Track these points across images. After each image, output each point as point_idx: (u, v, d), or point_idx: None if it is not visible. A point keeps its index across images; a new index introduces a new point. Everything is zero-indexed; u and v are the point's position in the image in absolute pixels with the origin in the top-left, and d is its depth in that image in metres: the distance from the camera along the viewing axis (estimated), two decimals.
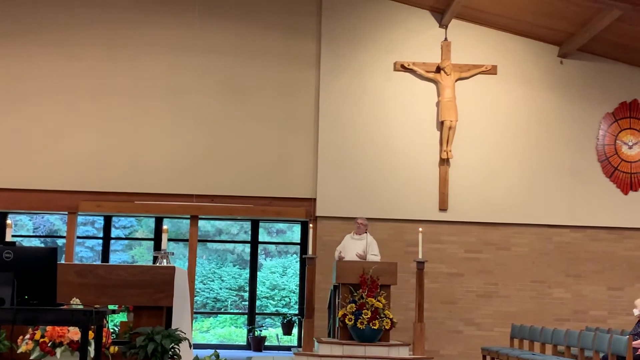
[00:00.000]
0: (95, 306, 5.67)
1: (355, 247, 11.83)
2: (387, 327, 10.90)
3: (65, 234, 14.38)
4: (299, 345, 13.85)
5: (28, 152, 13.86)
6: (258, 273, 15.68)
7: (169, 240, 11.02)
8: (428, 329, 12.47)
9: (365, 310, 10.79)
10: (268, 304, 17.83)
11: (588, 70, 14.40)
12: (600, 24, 12.92)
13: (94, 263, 14.29)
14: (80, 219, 14.71)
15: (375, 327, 10.77)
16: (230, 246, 18.97)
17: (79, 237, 15.13)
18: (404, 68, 14.17)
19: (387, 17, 14.33)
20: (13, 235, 10.27)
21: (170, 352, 7.24)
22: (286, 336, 15.41)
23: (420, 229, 11.74)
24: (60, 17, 14.18)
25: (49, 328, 6.73)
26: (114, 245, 17.16)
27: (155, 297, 7.65)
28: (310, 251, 11.71)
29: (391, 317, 10.94)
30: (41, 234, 18.09)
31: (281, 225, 18.11)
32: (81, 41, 14.14)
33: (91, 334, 6.19)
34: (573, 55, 14.32)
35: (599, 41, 13.74)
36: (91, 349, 6.27)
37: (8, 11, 14.12)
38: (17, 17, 14.13)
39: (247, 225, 15.85)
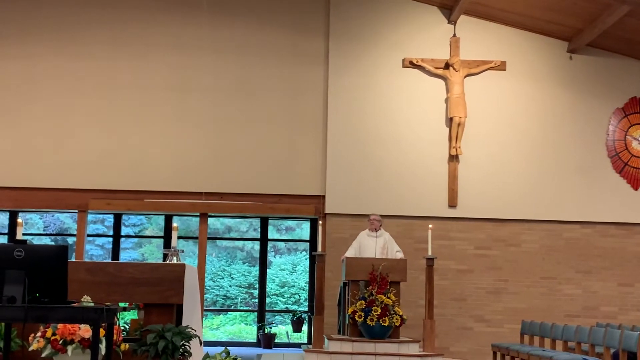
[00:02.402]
0: (106, 304, 5.69)
1: (374, 246, 11.81)
2: (397, 324, 10.89)
3: (75, 232, 14.43)
4: (309, 342, 13.88)
5: (38, 151, 13.91)
6: (268, 270, 15.72)
7: (179, 238, 11.06)
8: (438, 326, 12.47)
9: (375, 307, 10.79)
10: (278, 301, 17.86)
11: (597, 66, 14.36)
12: (609, 19, 12.88)
13: (104, 261, 14.35)
14: (90, 217, 14.76)
15: (385, 324, 10.76)
16: (239, 244, 19.01)
17: (89, 235, 15.20)
18: (412, 65, 14.16)
19: (395, 14, 14.32)
20: (24, 234, 10.31)
21: (180, 349, 7.25)
22: (296, 333, 15.44)
23: (430, 226, 11.74)
24: (69, 17, 14.22)
25: (60, 326, 6.75)
26: (124, 243, 17.23)
27: (165, 295, 7.67)
28: (319, 248, 11.71)
29: (401, 313, 10.93)
30: (51, 232, 18.17)
31: (290, 223, 18.14)
32: (89, 40, 14.18)
33: (102, 332, 6.21)
34: (582, 50, 14.28)
35: (608, 36, 13.70)
36: (102, 347, 6.29)
37: (15, 12, 14.17)
38: (24, 18, 14.18)
39: (257, 222, 15.87)
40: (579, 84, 14.32)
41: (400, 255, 11.74)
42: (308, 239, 15.31)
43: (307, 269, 15.68)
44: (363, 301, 10.90)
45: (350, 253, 11.80)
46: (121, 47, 14.22)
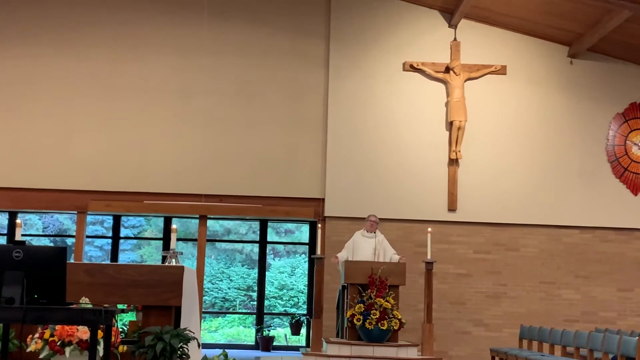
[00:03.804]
0: (104, 305, 5.68)
1: (367, 246, 11.80)
2: (395, 328, 10.88)
3: (74, 234, 14.43)
4: (307, 345, 13.86)
5: (37, 151, 13.91)
6: (266, 273, 15.69)
7: (178, 240, 11.04)
8: (437, 330, 12.46)
9: (374, 311, 10.78)
10: (276, 304, 17.83)
11: (598, 71, 14.36)
12: (610, 24, 12.88)
13: (103, 262, 14.34)
14: (89, 218, 14.76)
15: (384, 328, 10.75)
16: (238, 246, 18.97)
17: (88, 237, 15.18)
18: (413, 68, 14.16)
19: (396, 17, 14.32)
20: (22, 235, 10.29)
21: (178, 352, 7.24)
22: (294, 336, 15.42)
23: (429, 230, 11.73)
24: (69, 18, 14.23)
25: (58, 327, 6.75)
26: (122, 244, 17.20)
27: (164, 297, 7.67)
28: (318, 251, 11.70)
29: (400, 317, 10.92)
30: (50, 234, 18.13)
31: (290, 225, 18.11)
32: (91, 42, 14.19)
33: (100, 333, 6.20)
34: (583, 55, 14.28)
35: (608, 41, 13.70)
36: (100, 348, 6.28)
37: (17, 13, 14.18)
38: (26, 18, 14.19)
39: (256, 225, 15.85)
40: (579, 89, 14.32)
41: (397, 257, 11.69)
42: (307, 241, 15.30)
43: (306, 272, 15.66)
44: (362, 304, 10.88)
45: (343, 254, 11.79)
46: (122, 49, 14.23)
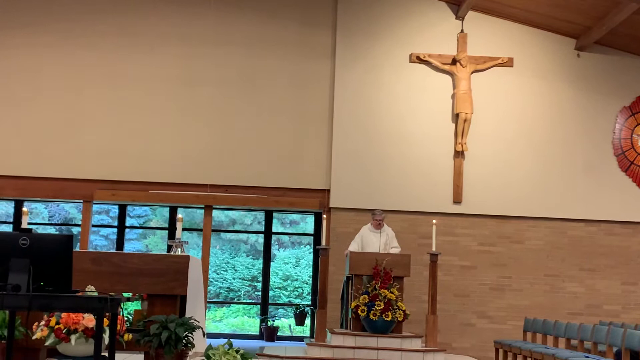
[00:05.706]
0: (110, 294, 5.69)
1: (376, 241, 11.81)
2: (399, 319, 10.90)
3: (80, 223, 14.46)
4: (312, 336, 13.90)
5: (44, 140, 13.93)
6: (271, 263, 15.72)
7: (183, 229, 11.06)
8: (441, 322, 12.47)
9: (378, 302, 10.79)
10: (281, 295, 17.86)
11: (605, 64, 14.32)
12: (617, 17, 12.84)
13: (109, 251, 14.37)
14: (95, 207, 14.79)
15: (388, 319, 10.77)
16: (243, 236, 19.00)
17: (94, 226, 15.21)
18: (419, 60, 14.14)
19: (403, 9, 14.29)
20: (28, 223, 10.32)
21: (183, 340, 7.27)
22: (299, 327, 15.45)
23: (434, 222, 11.72)
24: (76, 7, 14.23)
25: (64, 315, 6.77)
26: (128, 234, 17.23)
27: (169, 286, 7.68)
28: (323, 242, 11.71)
29: (404, 308, 10.94)
30: (56, 222, 18.18)
31: (295, 216, 18.13)
32: (97, 31, 14.19)
33: (106, 321, 6.22)
34: (590, 48, 14.24)
35: (616, 34, 13.66)
36: (105, 336, 6.30)
37: (24, 1, 14.18)
38: (32, 7, 14.19)
39: (261, 215, 15.87)
40: (586, 82, 14.28)
41: (396, 251, 11.69)
42: (312, 232, 15.32)
43: (311, 263, 15.69)
44: (366, 295, 10.90)
45: (353, 248, 11.79)
46: (128, 39, 14.23)
